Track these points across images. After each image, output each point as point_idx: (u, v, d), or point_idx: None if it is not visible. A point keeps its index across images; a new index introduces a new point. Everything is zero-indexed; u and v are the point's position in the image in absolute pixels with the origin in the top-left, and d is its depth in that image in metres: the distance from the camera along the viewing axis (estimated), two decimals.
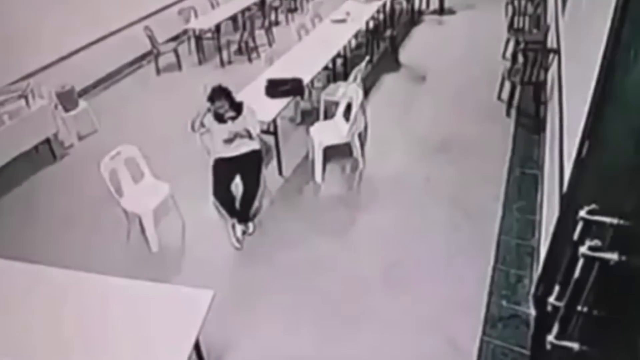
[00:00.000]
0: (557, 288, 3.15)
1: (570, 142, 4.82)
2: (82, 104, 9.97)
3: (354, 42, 12.60)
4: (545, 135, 8.08)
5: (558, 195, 4.91)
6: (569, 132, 5.17)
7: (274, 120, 7.71)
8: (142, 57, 13.65)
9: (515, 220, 6.78)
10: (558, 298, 3.07)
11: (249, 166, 6.98)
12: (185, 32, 14.09)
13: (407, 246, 6.58)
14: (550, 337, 2.81)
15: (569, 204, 4.26)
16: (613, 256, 2.47)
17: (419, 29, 14.63)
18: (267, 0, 15.26)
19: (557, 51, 8.22)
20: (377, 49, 12.84)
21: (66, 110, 9.57)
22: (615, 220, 2.58)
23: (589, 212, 2.85)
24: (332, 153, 8.19)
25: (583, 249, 2.62)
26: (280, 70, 8.87)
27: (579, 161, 4.06)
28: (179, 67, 13.06)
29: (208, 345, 4.48)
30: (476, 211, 7.04)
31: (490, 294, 5.73)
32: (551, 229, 4.92)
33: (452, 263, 6.22)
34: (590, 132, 3.85)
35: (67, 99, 9.60)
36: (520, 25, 12.04)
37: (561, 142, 5.47)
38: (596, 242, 2.68)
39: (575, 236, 2.90)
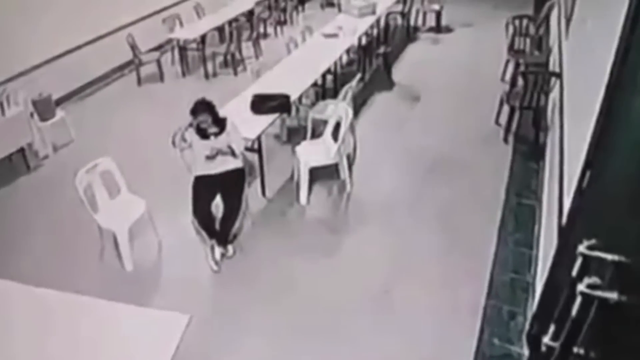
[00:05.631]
0: (552, 327, 3.13)
1: (571, 172, 4.82)
2: (59, 113, 9.92)
3: (345, 58, 12.68)
4: (545, 163, 8.08)
5: (556, 228, 4.90)
6: (570, 161, 5.18)
7: (259, 138, 7.70)
8: (123, 66, 13.59)
9: (511, 252, 6.77)
10: (553, 338, 3.05)
11: (231, 185, 6.96)
12: (169, 41, 14.05)
13: (394, 275, 6.55)
14: None
15: (567, 237, 4.25)
16: (613, 295, 2.46)
17: (414, 47, 14.68)
18: (255, 11, 15.25)
19: (559, 75, 8.25)
20: (370, 66, 12.84)
21: (42, 119, 9.51)
22: (616, 257, 2.57)
23: (589, 248, 2.83)
24: (319, 174, 8.17)
25: (581, 287, 2.61)
26: (267, 85, 8.86)
27: (579, 192, 4.05)
28: (161, 78, 13.03)
29: None
30: (469, 241, 7.03)
31: (482, 331, 5.70)
32: (548, 263, 4.89)
33: (441, 295, 6.19)
34: (593, 161, 3.84)
35: (44, 108, 9.54)
36: (521, 46, 12.05)
37: (561, 172, 5.47)
38: (595, 280, 2.66)
39: (574, 272, 2.89)
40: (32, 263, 6.92)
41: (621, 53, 3.54)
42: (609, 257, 2.61)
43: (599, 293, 2.55)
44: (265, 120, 7.88)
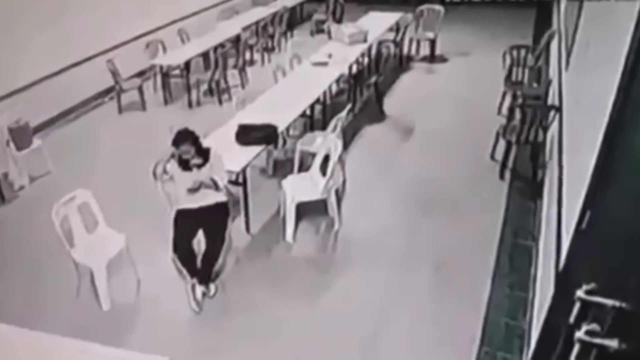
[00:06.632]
0: None
1: (570, 212, 4.80)
2: (36, 141, 9.91)
3: (335, 88, 12.66)
4: (542, 202, 8.08)
5: (554, 271, 4.88)
6: (569, 199, 5.17)
7: (244, 170, 7.71)
8: (103, 93, 13.61)
9: (505, 296, 6.74)
10: None
11: (214, 220, 6.96)
12: (151, 68, 13.98)
13: (384, 317, 6.53)
14: None
15: (565, 281, 4.22)
16: (613, 343, 2.45)
17: (407, 77, 14.73)
18: (242, 37, 15.24)
19: (558, 108, 8.25)
20: (360, 97, 12.83)
21: (18, 148, 9.47)
22: (616, 303, 2.56)
23: (588, 292, 2.83)
24: (306, 210, 8.17)
25: (579, 334, 2.60)
26: (253, 115, 8.85)
27: (578, 233, 4.02)
28: (143, 106, 13.02)
29: None
30: (462, 282, 7.00)
31: None
32: (545, 308, 4.87)
33: (432, 340, 6.16)
34: (593, 201, 3.82)
35: (21, 136, 9.51)
36: (519, 77, 12.05)
37: (559, 211, 5.46)
38: (594, 326, 2.66)
39: (572, 318, 2.88)
40: (4, 299, 6.86)
41: (624, 87, 3.54)
42: (609, 302, 2.61)
43: (598, 340, 2.54)
44: (250, 151, 7.90)
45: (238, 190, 8.07)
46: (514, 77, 11.98)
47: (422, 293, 6.89)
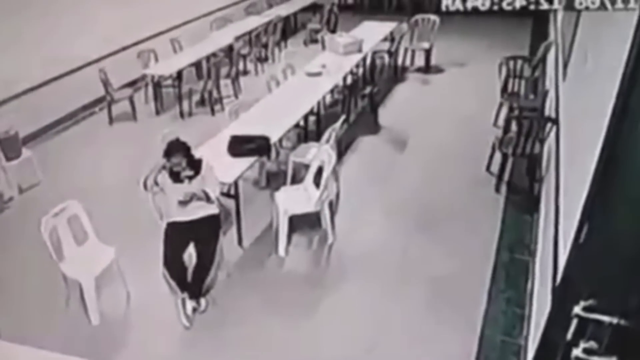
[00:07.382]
0: None
1: (567, 226, 4.79)
2: (26, 152, 9.89)
3: (329, 98, 12.70)
4: (539, 216, 8.06)
5: (551, 287, 4.86)
6: (566, 213, 5.15)
7: (236, 182, 7.70)
8: (94, 103, 13.58)
9: (501, 312, 6.70)
10: None
11: (205, 233, 6.91)
12: (143, 77, 13.96)
13: (378, 333, 6.50)
14: None
15: (562, 297, 4.20)
16: None
17: (402, 88, 14.72)
18: (235, 46, 15.20)
19: (555, 121, 8.25)
20: (355, 108, 12.82)
21: (8, 158, 9.46)
22: (615, 320, 2.54)
23: (586, 309, 2.81)
24: (299, 223, 8.15)
25: (577, 352, 2.59)
26: (246, 126, 8.86)
27: (575, 248, 4.01)
28: (134, 117, 13.00)
29: None
30: (457, 299, 6.97)
31: None
32: (541, 325, 4.84)
33: (428, 357, 6.13)
34: (591, 214, 3.81)
35: (10, 146, 9.50)
36: (515, 88, 12.06)
37: (556, 225, 5.44)
38: (592, 344, 2.64)
39: (569, 335, 2.86)
40: None
41: (622, 99, 3.52)
42: (607, 319, 2.59)
43: (595, 359, 2.53)
44: (243, 163, 7.88)
45: (230, 203, 8.06)
46: (510, 88, 11.97)
47: (417, 308, 6.86)
